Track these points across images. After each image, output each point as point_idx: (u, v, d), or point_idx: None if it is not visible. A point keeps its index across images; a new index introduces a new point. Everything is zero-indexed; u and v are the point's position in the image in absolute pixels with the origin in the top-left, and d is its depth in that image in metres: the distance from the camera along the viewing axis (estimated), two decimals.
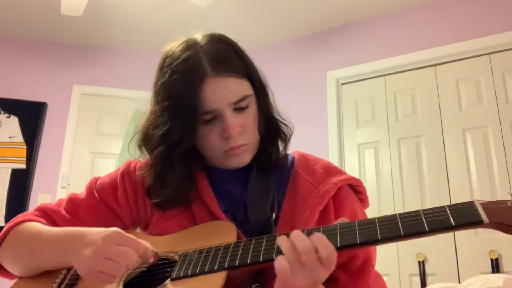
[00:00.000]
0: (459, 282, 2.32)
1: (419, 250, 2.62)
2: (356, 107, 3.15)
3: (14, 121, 3.30)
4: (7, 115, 3.30)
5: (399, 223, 0.64)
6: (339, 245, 0.65)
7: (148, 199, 0.89)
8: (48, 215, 0.92)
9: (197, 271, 0.71)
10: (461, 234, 2.53)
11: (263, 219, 0.82)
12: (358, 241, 0.64)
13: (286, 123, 0.94)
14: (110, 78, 3.56)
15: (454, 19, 2.92)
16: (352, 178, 0.88)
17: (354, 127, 3.12)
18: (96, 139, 3.44)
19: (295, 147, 0.99)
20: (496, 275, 1.45)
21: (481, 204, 0.62)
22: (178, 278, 0.72)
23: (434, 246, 2.59)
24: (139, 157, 0.93)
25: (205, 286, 0.69)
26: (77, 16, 2.74)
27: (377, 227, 0.65)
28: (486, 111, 2.69)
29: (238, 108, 0.83)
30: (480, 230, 2.48)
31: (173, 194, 0.85)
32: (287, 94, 3.23)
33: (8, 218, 3.07)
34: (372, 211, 0.71)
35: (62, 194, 3.19)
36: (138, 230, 0.95)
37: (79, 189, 0.96)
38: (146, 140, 0.88)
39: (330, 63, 3.28)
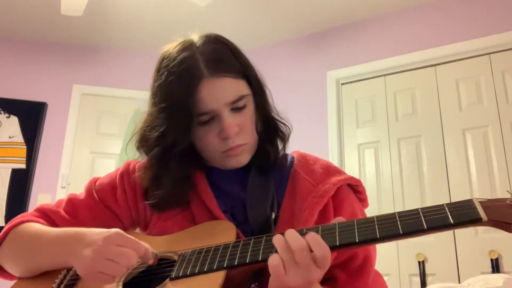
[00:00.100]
0: (459, 282, 2.32)
1: (419, 250, 2.62)
2: (356, 107, 3.15)
3: (14, 121, 3.30)
4: (7, 115, 3.30)
5: (398, 221, 0.64)
6: (337, 244, 0.65)
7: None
8: (48, 215, 0.92)
9: (196, 271, 0.71)
10: (461, 234, 2.53)
11: (262, 219, 0.82)
12: (357, 240, 0.64)
13: (284, 122, 0.93)
14: (110, 78, 3.56)
15: (454, 19, 2.92)
16: (352, 178, 0.88)
17: (354, 127, 3.12)
18: (96, 139, 3.44)
19: (295, 147, 0.99)
20: (496, 275, 1.45)
21: (480, 202, 0.62)
22: (177, 277, 0.72)
23: (434, 246, 2.59)
24: (138, 158, 0.93)
25: (204, 286, 0.69)
26: (77, 16, 2.74)
27: (376, 226, 0.65)
28: (486, 111, 2.69)
29: (236, 108, 0.83)
30: (480, 230, 2.48)
31: (168, 195, 0.85)
32: (287, 94, 3.23)
33: (8, 218, 3.07)
34: (372, 211, 0.71)
35: (62, 194, 3.19)
36: (137, 230, 0.95)
37: (79, 189, 0.96)
38: (143, 142, 0.88)
39: (330, 63, 3.28)
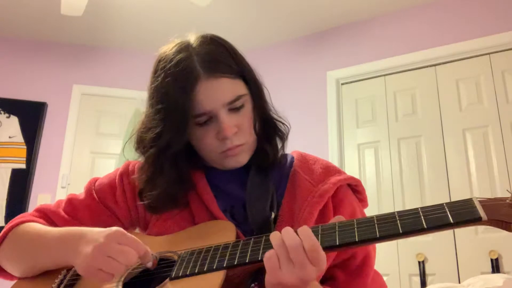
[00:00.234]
0: (459, 282, 2.32)
1: (419, 250, 2.62)
2: (356, 107, 3.15)
3: (14, 121, 3.30)
4: (7, 115, 3.30)
5: (398, 221, 0.64)
6: (337, 243, 0.65)
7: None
8: (47, 216, 0.92)
9: (196, 271, 0.71)
10: (461, 234, 2.53)
11: (262, 218, 0.82)
12: (357, 239, 0.64)
13: (283, 121, 0.93)
14: (110, 78, 3.56)
15: (454, 19, 2.92)
16: (351, 178, 0.88)
17: (354, 127, 3.12)
18: (96, 139, 3.44)
19: (295, 147, 0.99)
20: (496, 275, 1.45)
21: (480, 201, 0.62)
22: (177, 277, 0.72)
23: (434, 246, 2.59)
24: (138, 158, 0.93)
25: (204, 286, 0.69)
26: (77, 16, 2.74)
27: (376, 225, 0.65)
28: (486, 111, 2.69)
29: (233, 108, 0.83)
30: (480, 229, 2.48)
31: (162, 196, 0.85)
32: (287, 94, 3.23)
33: (8, 218, 3.07)
34: (372, 211, 0.71)
35: (62, 194, 3.19)
36: (137, 230, 0.95)
37: (79, 189, 0.96)
38: (139, 143, 0.88)
39: (330, 63, 3.28)
